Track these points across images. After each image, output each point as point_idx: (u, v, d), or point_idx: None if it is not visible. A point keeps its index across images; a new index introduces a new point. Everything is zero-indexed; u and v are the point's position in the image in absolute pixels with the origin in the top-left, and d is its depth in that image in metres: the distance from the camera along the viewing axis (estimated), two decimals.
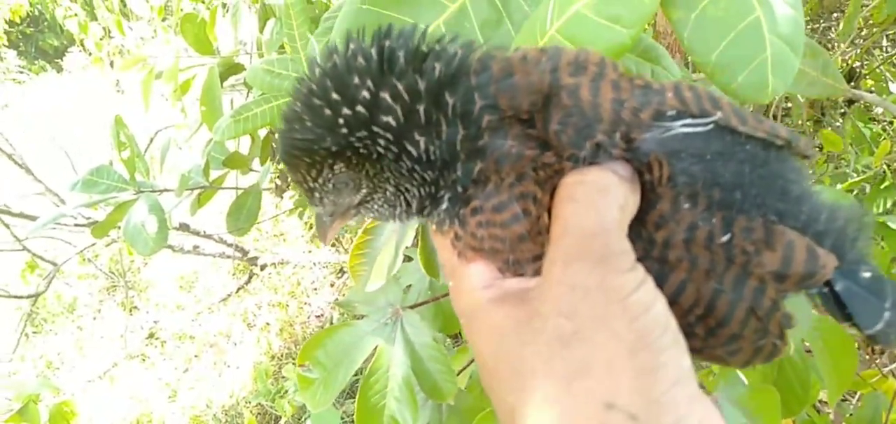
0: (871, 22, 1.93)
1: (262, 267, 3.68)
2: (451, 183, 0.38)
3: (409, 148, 0.36)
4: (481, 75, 0.36)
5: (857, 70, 2.23)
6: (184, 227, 2.61)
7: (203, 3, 2.13)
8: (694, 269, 0.35)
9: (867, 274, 0.38)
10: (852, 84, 2.19)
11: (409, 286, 0.89)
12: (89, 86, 6.16)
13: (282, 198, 2.58)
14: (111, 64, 3.07)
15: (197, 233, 2.75)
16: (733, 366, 0.40)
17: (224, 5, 1.89)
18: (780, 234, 0.36)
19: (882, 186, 1.16)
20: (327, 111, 0.35)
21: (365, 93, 0.35)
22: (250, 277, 3.69)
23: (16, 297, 2.34)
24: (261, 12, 1.72)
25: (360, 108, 0.35)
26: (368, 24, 0.57)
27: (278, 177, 2.30)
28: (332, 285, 3.56)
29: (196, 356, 3.25)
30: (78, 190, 1.54)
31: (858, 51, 2.16)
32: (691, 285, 0.35)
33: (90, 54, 3.30)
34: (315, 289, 3.55)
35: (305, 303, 3.47)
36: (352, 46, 0.36)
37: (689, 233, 0.35)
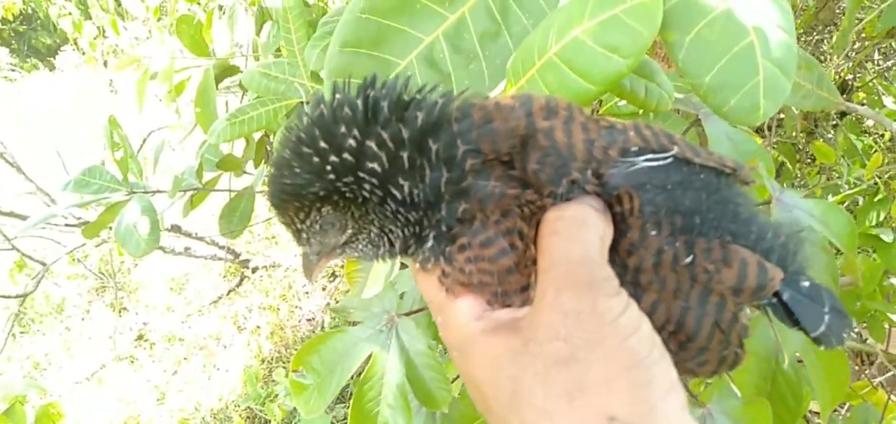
0: (863, 35, 1.94)
1: (254, 270, 3.67)
2: (436, 222, 0.40)
3: (394, 191, 0.38)
4: (462, 122, 0.38)
5: (850, 83, 2.25)
6: (176, 229, 2.59)
7: (199, 4, 2.12)
8: (663, 290, 0.38)
9: (806, 283, 0.42)
10: (845, 96, 2.21)
11: (404, 293, 0.88)
12: (82, 85, 6.13)
13: None
14: (105, 63, 3.05)
15: (188, 235, 2.73)
16: (701, 377, 0.43)
17: (220, 7, 1.89)
18: (734, 252, 0.39)
19: (875, 199, 1.17)
20: (315, 159, 0.37)
21: (351, 142, 0.37)
22: (241, 280, 3.67)
23: (4, 297, 2.32)
24: (258, 15, 1.72)
25: (346, 155, 0.37)
26: (367, 33, 0.58)
27: None
28: (323, 289, 3.55)
29: (185, 358, 3.23)
30: (70, 190, 1.53)
31: (851, 64, 2.18)
32: (662, 305, 0.38)
33: (83, 53, 3.28)
34: (306, 293, 3.53)
35: (296, 307, 3.46)
36: (338, 97, 0.38)
37: (656, 258, 0.38)
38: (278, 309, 3.44)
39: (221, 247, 3.20)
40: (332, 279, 3.56)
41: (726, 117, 0.49)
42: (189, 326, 3.43)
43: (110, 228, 1.59)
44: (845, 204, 1.66)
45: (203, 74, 1.63)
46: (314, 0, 1.77)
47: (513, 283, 0.39)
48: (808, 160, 2.49)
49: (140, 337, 3.40)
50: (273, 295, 3.53)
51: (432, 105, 0.38)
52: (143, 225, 1.43)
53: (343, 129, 0.37)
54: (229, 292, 3.57)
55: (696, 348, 0.39)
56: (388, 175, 0.38)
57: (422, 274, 0.43)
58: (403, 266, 0.88)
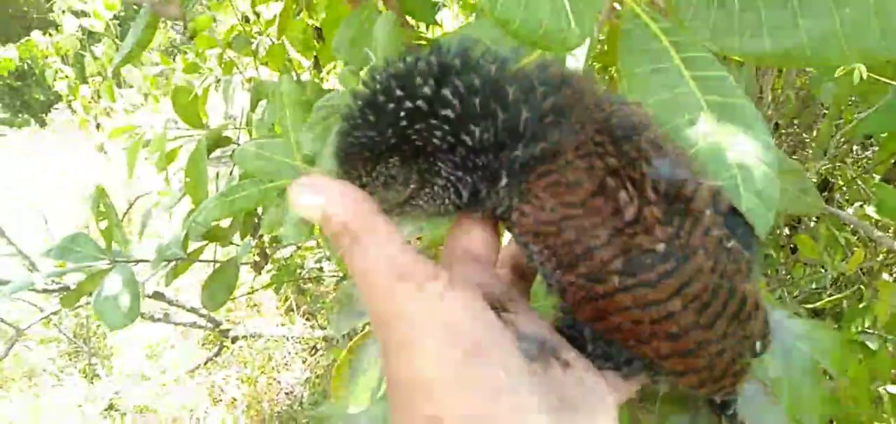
0: (843, 138, 2.00)
1: (234, 340, 3.59)
2: (511, 161, 0.40)
3: (465, 137, 0.39)
4: (542, 73, 0.40)
5: (831, 182, 2.30)
6: (158, 296, 2.54)
7: (198, 72, 2.15)
8: (707, 259, 0.39)
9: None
10: (826, 193, 2.25)
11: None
12: (73, 144, 6.12)
13: (260, 273, 2.54)
14: (97, 126, 3.06)
15: (170, 302, 2.68)
16: (715, 379, 0.43)
17: (217, 80, 1.91)
18: (756, 282, 0.42)
19: (860, 305, 1.18)
20: (391, 105, 0.38)
21: (426, 90, 0.38)
22: (220, 349, 3.59)
23: None
24: (253, 91, 1.74)
25: (420, 103, 0.38)
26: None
27: (258, 253, 2.27)
28: (303, 362, 3.47)
29: None
30: (52, 256, 1.50)
31: (831, 160, 2.23)
32: (702, 276, 0.39)
33: (76, 113, 3.29)
34: (286, 365, 3.45)
35: (275, 380, 3.37)
36: (409, 57, 0.39)
37: (706, 232, 0.40)
38: (256, 380, 3.35)
39: (201, 315, 3.14)
40: (312, 352, 3.49)
41: None
42: (163, 396, 3.33)
43: (89, 295, 1.56)
44: (832, 307, 1.67)
45: (195, 145, 1.63)
46: (310, 79, 1.80)
47: (597, 212, 0.38)
48: (792, 249, 2.53)
49: (111, 407, 3.28)
50: (252, 365, 3.44)
51: (503, 57, 0.40)
52: (123, 298, 1.40)
53: (419, 80, 0.38)
54: (207, 361, 3.48)
55: (719, 333, 0.40)
56: (460, 119, 0.38)
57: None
58: None
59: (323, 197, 0.36)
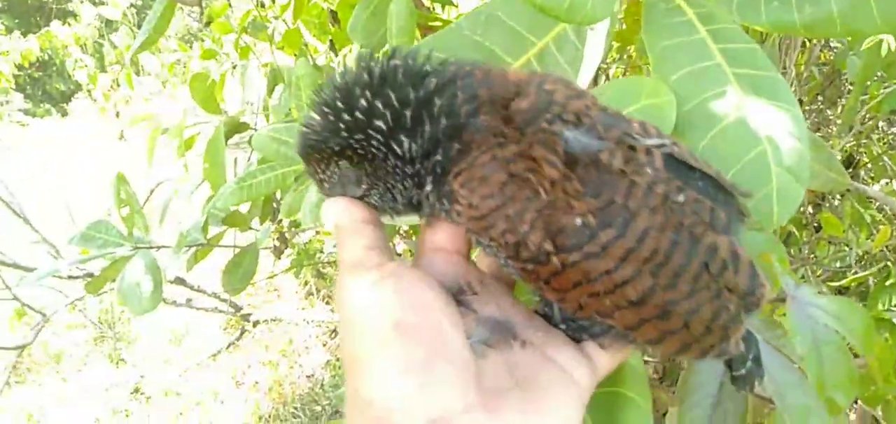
0: (868, 114, 1.96)
1: (255, 324, 3.63)
2: (433, 166, 0.42)
3: (395, 147, 0.42)
4: (466, 79, 0.42)
5: (856, 157, 2.26)
6: (179, 281, 2.58)
7: (215, 58, 2.15)
8: (653, 217, 0.38)
9: (747, 329, 0.45)
10: (851, 170, 2.21)
11: None
12: (92, 132, 6.20)
13: (279, 258, 2.56)
14: (117, 114, 3.09)
15: (191, 288, 2.72)
16: (690, 343, 0.42)
17: (234, 66, 1.92)
18: (723, 233, 0.40)
19: (886, 283, 1.16)
20: (332, 117, 0.42)
21: (363, 102, 0.41)
22: (242, 333, 3.63)
23: (3, 349, 2.29)
24: (270, 76, 1.74)
25: (358, 114, 0.41)
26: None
27: (278, 237, 2.29)
28: (324, 345, 3.50)
29: (181, 414, 3.16)
30: (76, 243, 1.53)
31: (857, 137, 2.19)
32: (652, 233, 0.38)
33: (96, 102, 3.33)
34: (307, 349, 3.49)
35: (297, 363, 3.41)
36: (361, 64, 0.42)
37: (648, 189, 0.39)
38: (278, 364, 3.39)
39: (223, 300, 3.18)
40: (332, 335, 3.52)
41: None
42: (187, 380, 3.38)
43: (113, 281, 1.58)
44: (857, 285, 1.64)
45: (213, 131, 1.64)
46: (325, 63, 1.80)
47: (514, 198, 0.39)
48: (816, 228, 2.48)
49: (136, 391, 3.34)
50: (273, 349, 3.48)
51: (446, 70, 0.42)
52: (146, 283, 1.42)
53: (357, 91, 0.41)
54: (229, 346, 3.53)
55: (685, 290, 0.39)
56: (391, 131, 0.41)
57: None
58: None
59: (332, 210, 0.45)
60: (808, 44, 1.87)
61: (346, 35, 1.29)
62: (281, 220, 2.04)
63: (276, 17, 1.86)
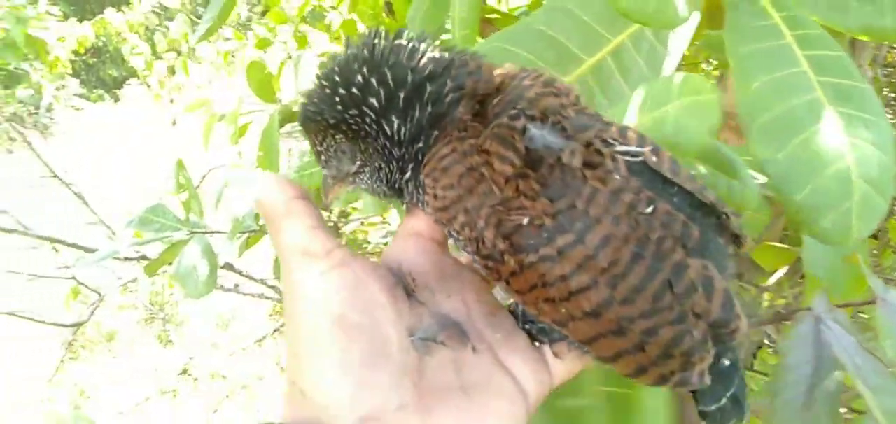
0: None
1: None
2: (415, 153, 0.42)
3: (386, 127, 0.42)
4: (460, 69, 0.42)
5: None
6: (228, 266, 2.61)
7: (270, 45, 2.17)
8: (616, 227, 0.36)
9: (727, 362, 0.40)
10: None
11: None
12: (145, 117, 6.37)
13: None
14: (171, 100, 3.15)
15: (240, 273, 2.76)
16: (645, 372, 0.39)
17: (289, 55, 1.93)
18: (699, 258, 0.37)
19: None
20: (328, 91, 0.42)
21: (359, 78, 0.41)
22: None
23: (60, 326, 2.36)
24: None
25: (353, 90, 0.41)
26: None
27: (328, 224, 2.29)
28: None
29: (227, 396, 3.23)
30: (133, 226, 1.55)
31: None
32: (613, 242, 0.36)
33: (150, 88, 3.41)
34: None
35: None
36: (363, 41, 0.42)
37: (614, 195, 0.37)
38: None
39: (270, 286, 3.22)
40: None
41: (817, 236, 0.47)
42: (233, 364, 3.45)
43: (169, 264, 1.60)
44: None
45: (268, 119, 1.65)
46: None
47: (472, 193, 0.39)
48: (873, 236, 2.38)
49: (184, 371, 3.42)
50: None
51: (445, 57, 0.42)
52: (202, 267, 1.44)
53: (355, 66, 0.41)
54: (274, 331, 3.58)
55: (643, 308, 0.36)
56: (383, 111, 0.41)
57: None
58: None
59: (257, 187, 0.41)
60: (877, 47, 1.77)
61: (401, 26, 1.27)
62: (331, 210, 2.04)
63: (332, 8, 1.86)
